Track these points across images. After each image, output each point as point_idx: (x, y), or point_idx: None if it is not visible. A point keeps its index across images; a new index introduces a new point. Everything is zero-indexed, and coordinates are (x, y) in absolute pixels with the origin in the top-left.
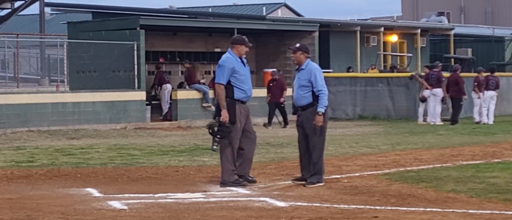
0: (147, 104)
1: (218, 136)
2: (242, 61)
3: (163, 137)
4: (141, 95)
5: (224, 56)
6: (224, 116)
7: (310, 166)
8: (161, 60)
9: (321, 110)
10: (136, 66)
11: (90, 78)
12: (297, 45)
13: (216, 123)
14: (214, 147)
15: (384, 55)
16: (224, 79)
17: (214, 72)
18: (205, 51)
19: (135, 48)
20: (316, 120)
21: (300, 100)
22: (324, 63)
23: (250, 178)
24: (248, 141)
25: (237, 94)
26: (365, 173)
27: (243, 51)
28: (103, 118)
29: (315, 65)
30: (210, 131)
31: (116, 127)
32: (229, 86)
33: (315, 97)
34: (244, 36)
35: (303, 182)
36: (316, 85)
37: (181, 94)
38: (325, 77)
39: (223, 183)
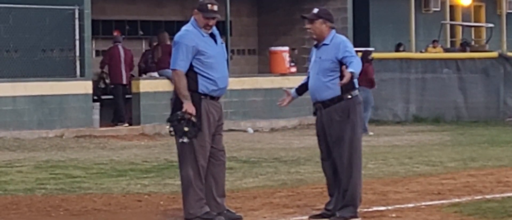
0: (94, 101)
1: (186, 128)
2: (213, 37)
3: (119, 150)
4: (85, 87)
5: (182, 28)
6: (188, 106)
7: (340, 195)
8: (115, 33)
9: (351, 69)
10: (78, 42)
11: (8, 61)
12: (315, 10)
13: (177, 117)
14: (185, 139)
15: (452, 26)
16: (183, 63)
17: None
18: (181, 21)
19: (77, 15)
20: (345, 78)
21: (320, 92)
22: (362, 39)
23: (231, 213)
24: (214, 162)
25: (203, 86)
26: (423, 204)
27: (201, 23)
28: (28, 121)
29: (343, 37)
30: (175, 127)
31: (48, 135)
32: (190, 75)
33: (345, 89)
34: (211, 2)
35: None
36: (350, 57)
37: (145, 85)
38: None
39: (189, 218)
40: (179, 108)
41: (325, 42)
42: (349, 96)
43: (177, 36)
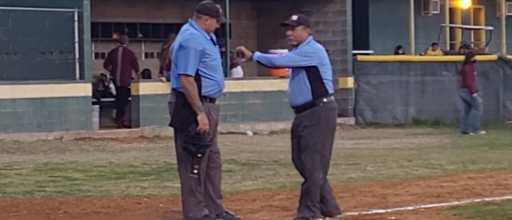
0: (94, 103)
1: (199, 155)
2: (212, 39)
3: (119, 152)
4: (85, 89)
5: (186, 32)
6: (203, 122)
7: (303, 195)
8: (115, 36)
9: (255, 55)
10: (77, 45)
11: (8, 63)
12: (295, 17)
13: (193, 136)
14: (195, 171)
15: (451, 28)
16: (193, 67)
17: None
18: (181, 23)
19: (76, 18)
20: (245, 56)
21: (294, 97)
22: (361, 41)
23: (230, 215)
24: (210, 165)
25: (207, 88)
26: (423, 206)
27: (212, 28)
28: (27, 124)
29: (314, 45)
30: (187, 150)
31: (47, 137)
32: (194, 78)
33: (317, 94)
34: (218, 6)
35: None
36: (286, 54)
37: (145, 88)
38: (363, 61)
39: None
40: (188, 116)
41: (298, 47)
42: (319, 103)
43: (184, 40)
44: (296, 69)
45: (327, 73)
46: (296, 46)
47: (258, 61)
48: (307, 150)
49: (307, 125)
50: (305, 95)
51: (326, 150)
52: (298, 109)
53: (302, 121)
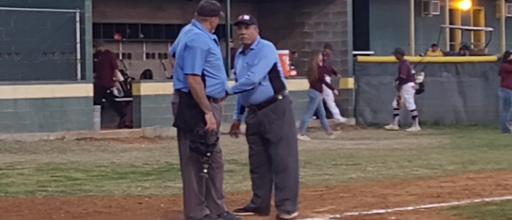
0: (95, 103)
1: (208, 154)
2: (214, 40)
3: (120, 152)
4: (86, 89)
5: (191, 32)
6: (211, 121)
7: (279, 190)
8: (116, 37)
9: (229, 89)
10: (79, 46)
11: (9, 64)
12: (247, 17)
13: (201, 135)
14: (205, 170)
15: (451, 30)
16: (199, 67)
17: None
18: (182, 24)
19: (78, 18)
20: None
21: (254, 96)
22: (361, 42)
23: (231, 215)
24: (212, 165)
25: (210, 88)
26: (423, 207)
27: (216, 24)
28: (29, 124)
29: (269, 44)
30: (196, 149)
31: (49, 137)
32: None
33: (277, 89)
34: (214, 1)
35: (250, 213)
36: (253, 69)
37: (146, 88)
38: (363, 62)
39: None
40: (191, 116)
41: (252, 47)
42: (281, 97)
43: (190, 40)
44: (250, 68)
45: (281, 69)
46: (248, 45)
47: (235, 93)
48: (280, 142)
49: (273, 119)
50: (267, 91)
51: (296, 140)
52: (260, 106)
53: (265, 116)
